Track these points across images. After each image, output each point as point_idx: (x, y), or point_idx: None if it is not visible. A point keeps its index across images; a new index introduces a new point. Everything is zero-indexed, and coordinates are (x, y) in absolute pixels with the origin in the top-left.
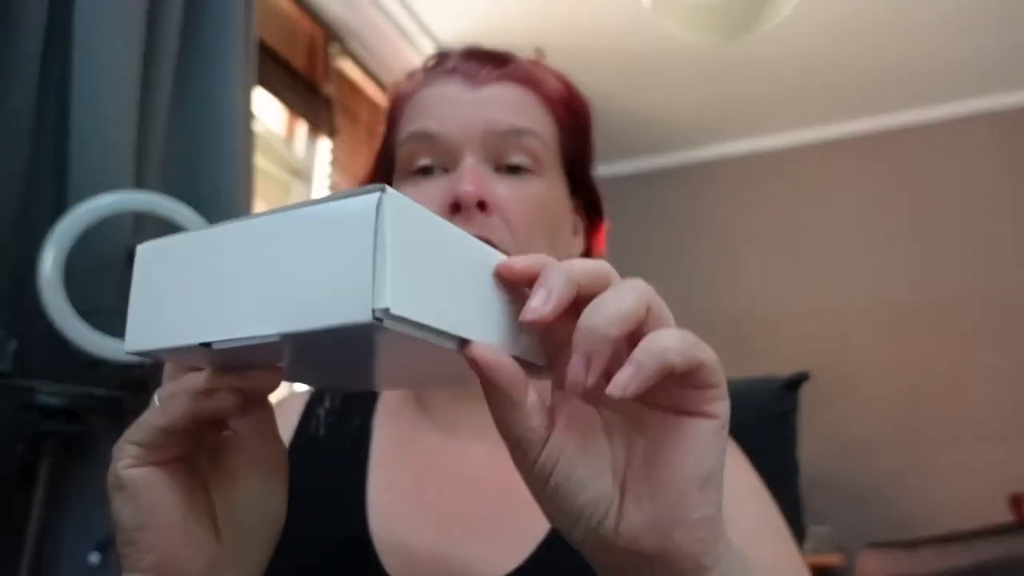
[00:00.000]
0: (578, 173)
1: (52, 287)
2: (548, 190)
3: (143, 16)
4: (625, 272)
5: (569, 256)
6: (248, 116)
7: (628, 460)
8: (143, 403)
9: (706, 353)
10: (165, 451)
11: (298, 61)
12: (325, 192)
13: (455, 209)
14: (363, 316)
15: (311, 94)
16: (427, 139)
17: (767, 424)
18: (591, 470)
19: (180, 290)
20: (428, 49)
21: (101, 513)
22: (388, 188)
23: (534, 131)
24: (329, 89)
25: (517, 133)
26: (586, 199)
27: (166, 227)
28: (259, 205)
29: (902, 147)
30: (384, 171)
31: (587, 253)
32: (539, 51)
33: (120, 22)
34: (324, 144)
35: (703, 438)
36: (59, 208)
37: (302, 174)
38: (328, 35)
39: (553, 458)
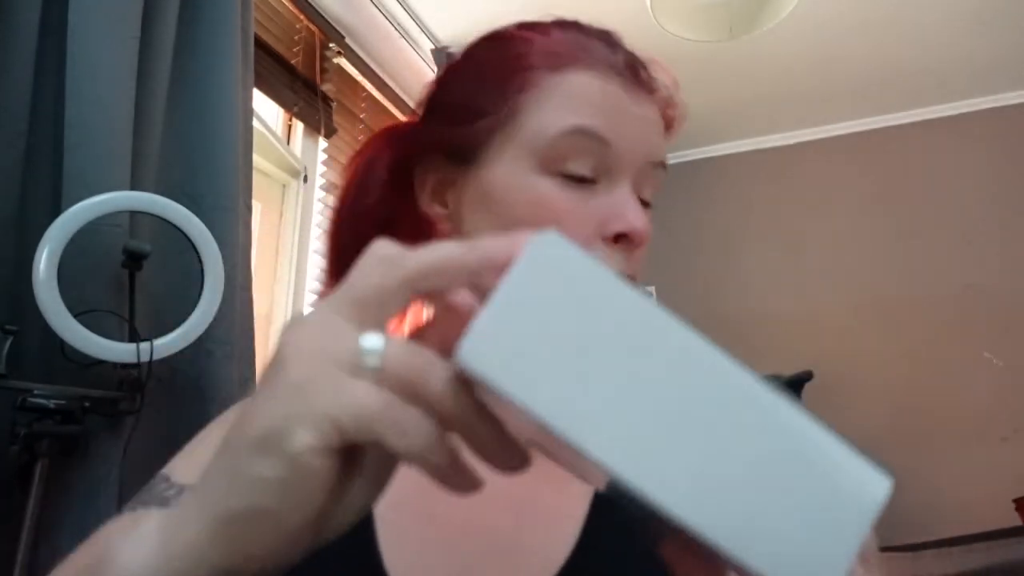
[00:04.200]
0: None
1: (47, 287)
2: None
3: (139, 15)
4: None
5: None
6: (245, 115)
7: None
8: (139, 404)
9: None
10: (353, 450)
11: (296, 60)
12: (321, 193)
13: (616, 240)
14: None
15: (309, 93)
16: (599, 144)
17: None
18: None
19: (573, 347)
20: (427, 49)
21: (98, 514)
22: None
23: (665, 167)
24: (327, 88)
25: (662, 167)
26: None
27: (163, 227)
28: (256, 205)
29: (902, 147)
30: (468, 134)
31: None
32: (676, 81)
33: (116, 21)
34: (322, 144)
35: None
36: (54, 208)
37: (300, 174)
38: (326, 34)
39: None
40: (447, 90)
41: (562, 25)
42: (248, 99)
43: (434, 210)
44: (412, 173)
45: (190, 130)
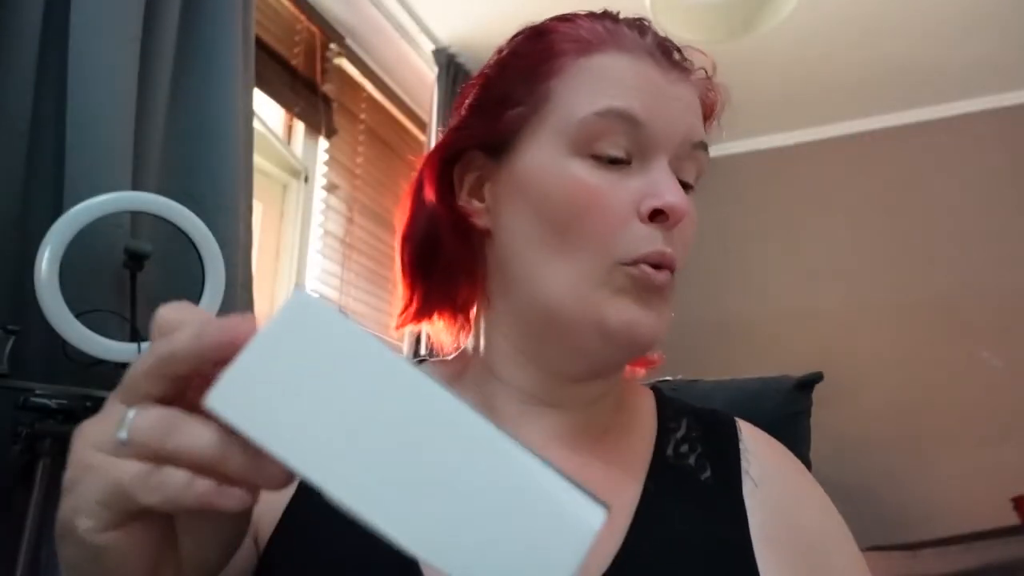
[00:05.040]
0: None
1: (48, 287)
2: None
3: (140, 15)
4: None
5: None
6: (246, 115)
7: None
8: None
9: None
10: (137, 516)
11: (296, 60)
12: (322, 193)
13: (652, 217)
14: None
15: (309, 93)
16: (631, 124)
17: (780, 424)
18: None
19: (308, 392)
20: (427, 49)
21: None
22: (302, 290)
23: (707, 146)
24: (328, 89)
25: (703, 147)
26: None
27: (164, 227)
28: (257, 205)
29: (902, 147)
30: (509, 123)
31: None
32: (714, 65)
33: (117, 22)
34: (322, 144)
35: None
36: (56, 208)
37: (301, 174)
38: (327, 35)
39: None
40: (480, 87)
41: (592, 15)
42: (249, 99)
43: (472, 206)
44: (452, 174)
45: (191, 130)
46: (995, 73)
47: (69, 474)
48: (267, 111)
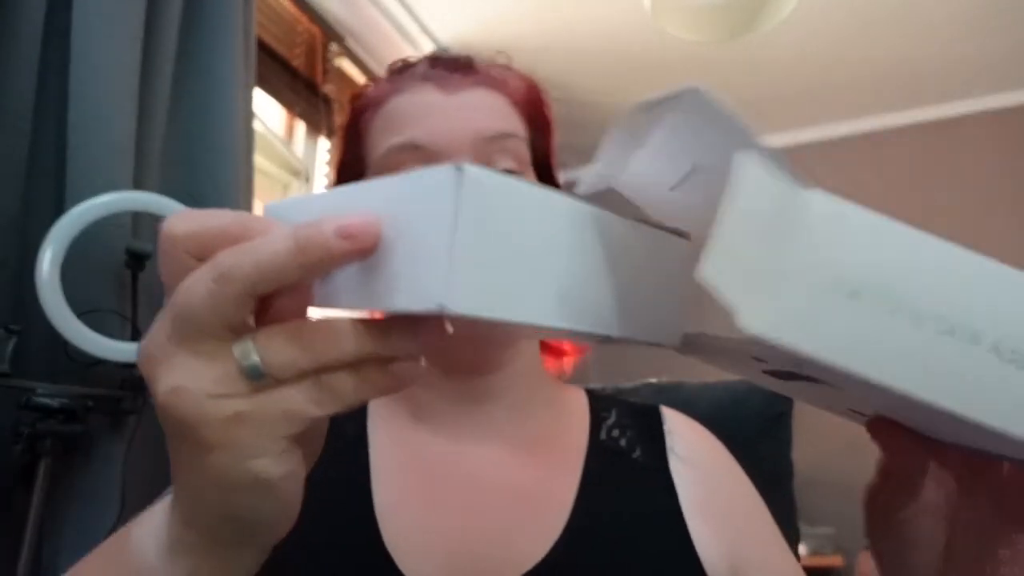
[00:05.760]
0: (546, 172)
1: (50, 287)
2: None
3: (142, 16)
4: None
5: None
6: (247, 115)
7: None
8: (141, 403)
9: None
10: (304, 434)
11: (297, 61)
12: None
13: None
14: (429, 305)
15: (310, 94)
16: (415, 151)
17: (763, 426)
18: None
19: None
20: (428, 49)
21: (100, 514)
22: (468, 167)
23: (516, 134)
24: (328, 89)
25: (504, 137)
26: None
27: None
28: (259, 205)
29: (902, 147)
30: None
31: None
32: (502, 54)
33: (119, 22)
34: (323, 144)
35: None
36: (57, 208)
37: (301, 174)
38: (327, 35)
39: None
40: (334, 153)
41: (389, 70)
42: (250, 100)
43: None
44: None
45: (192, 130)
46: (995, 73)
47: (200, 439)
48: (268, 111)
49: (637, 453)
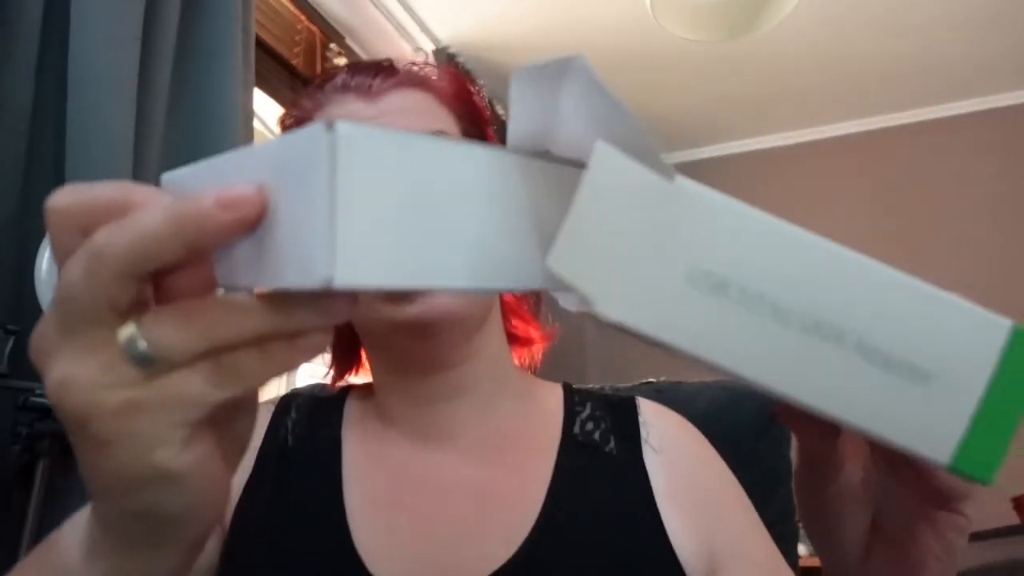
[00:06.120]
0: None
1: (48, 287)
2: None
3: (140, 15)
4: None
5: None
6: (246, 115)
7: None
8: None
9: None
10: (214, 420)
11: (297, 60)
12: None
13: None
14: (315, 280)
15: None
16: None
17: (762, 425)
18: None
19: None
20: (428, 49)
21: None
22: (339, 124)
23: (445, 131)
24: None
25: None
26: None
27: None
28: None
29: (902, 147)
30: None
31: None
32: (422, 52)
33: (117, 21)
34: None
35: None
36: None
37: None
38: (327, 34)
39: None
40: None
41: (314, 84)
42: (249, 99)
43: None
44: None
45: (191, 130)
46: (995, 73)
47: (93, 434)
48: (267, 110)
49: (611, 446)
